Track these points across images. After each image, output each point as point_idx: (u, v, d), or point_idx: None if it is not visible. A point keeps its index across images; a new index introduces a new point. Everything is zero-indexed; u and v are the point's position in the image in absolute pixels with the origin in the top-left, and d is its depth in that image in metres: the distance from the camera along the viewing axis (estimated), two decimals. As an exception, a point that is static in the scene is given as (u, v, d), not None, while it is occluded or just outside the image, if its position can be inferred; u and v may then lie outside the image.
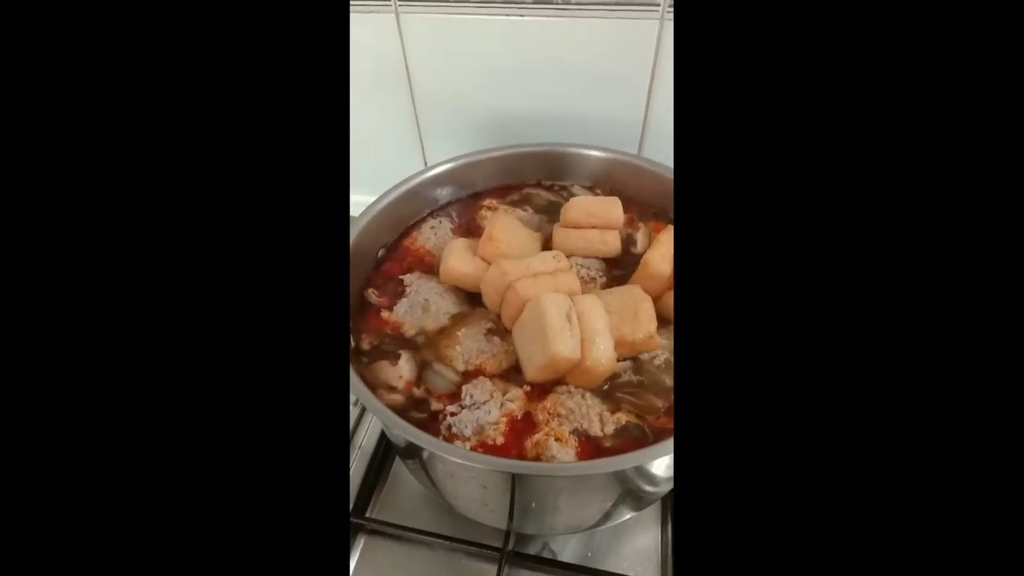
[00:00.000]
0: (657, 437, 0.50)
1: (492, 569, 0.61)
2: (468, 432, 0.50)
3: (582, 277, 0.61)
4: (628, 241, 0.65)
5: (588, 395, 0.52)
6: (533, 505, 0.52)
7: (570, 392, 0.52)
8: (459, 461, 0.45)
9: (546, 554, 0.64)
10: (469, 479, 0.50)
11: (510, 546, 0.61)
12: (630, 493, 0.52)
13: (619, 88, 0.76)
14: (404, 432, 0.46)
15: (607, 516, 0.56)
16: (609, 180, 0.72)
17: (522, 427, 0.51)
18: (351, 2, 0.73)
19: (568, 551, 0.64)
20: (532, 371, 0.52)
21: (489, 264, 0.57)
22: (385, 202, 0.66)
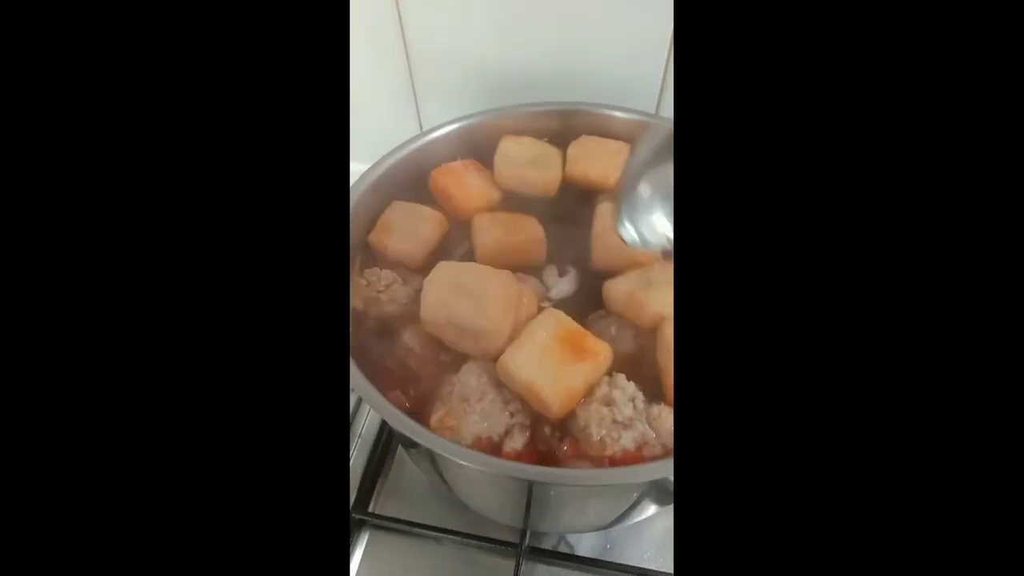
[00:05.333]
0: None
1: (507, 564, 0.57)
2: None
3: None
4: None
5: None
6: (554, 506, 0.48)
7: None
8: (480, 468, 0.40)
9: (563, 548, 0.60)
10: (488, 483, 0.45)
11: (526, 542, 0.58)
12: (662, 490, 0.48)
13: (635, 41, 0.68)
14: (412, 433, 0.41)
15: (631, 514, 0.52)
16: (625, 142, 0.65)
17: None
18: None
19: (585, 544, 0.61)
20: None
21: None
22: (380, 170, 0.60)
